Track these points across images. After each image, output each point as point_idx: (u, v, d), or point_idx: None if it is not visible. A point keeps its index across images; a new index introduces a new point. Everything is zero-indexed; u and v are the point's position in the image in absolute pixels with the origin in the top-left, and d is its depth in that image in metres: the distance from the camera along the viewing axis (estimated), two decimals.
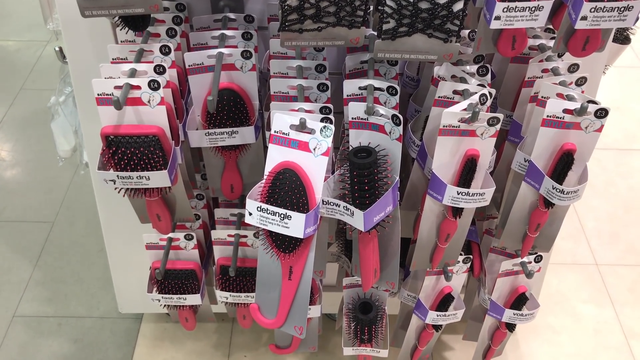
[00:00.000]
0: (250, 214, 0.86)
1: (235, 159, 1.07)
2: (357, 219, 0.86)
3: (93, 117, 1.14)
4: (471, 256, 1.12)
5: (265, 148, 1.02)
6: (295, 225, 0.83)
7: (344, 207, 0.87)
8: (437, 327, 1.22)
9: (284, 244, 0.88)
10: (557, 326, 1.71)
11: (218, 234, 1.14)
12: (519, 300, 1.16)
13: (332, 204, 0.88)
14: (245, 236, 1.14)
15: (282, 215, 0.83)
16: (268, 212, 0.84)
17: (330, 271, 1.43)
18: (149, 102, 0.88)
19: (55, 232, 1.90)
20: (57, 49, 1.25)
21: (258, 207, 0.84)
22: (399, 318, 1.32)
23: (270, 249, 0.90)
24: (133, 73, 0.90)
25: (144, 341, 1.63)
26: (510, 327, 1.23)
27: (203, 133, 0.99)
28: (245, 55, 0.94)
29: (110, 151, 0.90)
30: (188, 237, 1.15)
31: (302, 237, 0.84)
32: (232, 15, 1.02)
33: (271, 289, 0.94)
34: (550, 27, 0.99)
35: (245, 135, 1.00)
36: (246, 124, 1.00)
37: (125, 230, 1.36)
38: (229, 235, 1.13)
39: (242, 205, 1.19)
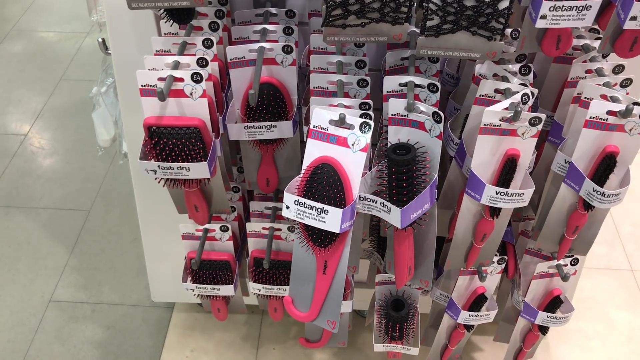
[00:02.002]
0: (287, 207, 0.87)
1: (272, 152, 1.08)
2: (393, 216, 0.86)
3: (134, 108, 1.16)
4: (506, 257, 1.11)
5: (302, 143, 1.03)
6: (332, 220, 0.84)
7: (380, 203, 0.87)
8: (468, 327, 1.21)
9: (320, 238, 0.88)
10: (589, 331, 1.69)
11: (253, 226, 1.15)
12: (554, 303, 1.15)
13: (369, 200, 0.88)
14: (280, 229, 1.15)
15: (319, 210, 0.84)
16: (305, 206, 0.85)
17: (361, 268, 1.43)
18: (191, 94, 0.90)
19: (91, 220, 1.94)
20: (100, 40, 1.27)
21: (295, 200, 0.85)
22: (430, 317, 1.32)
23: (305, 243, 0.90)
24: (176, 65, 0.91)
25: (175, 330, 1.65)
26: (543, 329, 1.22)
27: (242, 126, 1.00)
28: (286, 50, 0.95)
29: (152, 142, 0.91)
30: (223, 229, 1.16)
31: (338, 232, 0.84)
32: (273, 10, 1.03)
33: (305, 282, 0.94)
34: (595, 27, 0.97)
35: (283, 129, 1.00)
36: (284, 118, 1.00)
37: (161, 220, 1.38)
38: (264, 228, 1.15)
39: (277, 198, 1.20)
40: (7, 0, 2.96)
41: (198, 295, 1.24)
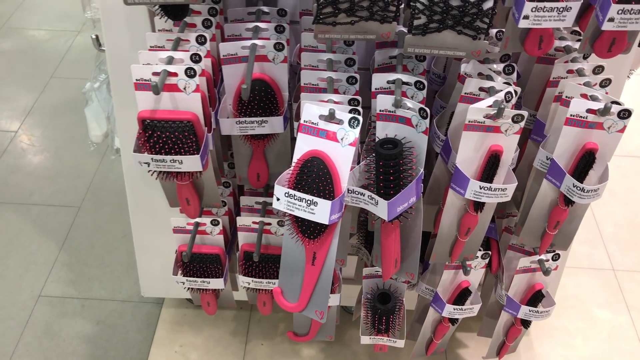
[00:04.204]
0: (277, 199, 0.89)
1: (263, 148, 1.10)
2: (381, 208, 0.89)
3: (127, 103, 1.18)
4: (490, 252, 1.14)
5: (293, 139, 1.05)
6: (321, 211, 0.86)
7: (368, 196, 0.89)
8: (453, 321, 1.24)
9: (309, 230, 0.91)
10: (572, 329, 1.72)
11: (243, 220, 1.17)
12: (535, 297, 1.18)
13: (357, 192, 0.90)
14: (269, 224, 1.17)
15: (309, 202, 0.86)
16: (295, 197, 0.87)
17: (349, 264, 1.46)
18: (184, 88, 0.92)
19: (81, 216, 1.95)
20: (93, 36, 1.29)
21: (285, 192, 0.88)
22: (416, 311, 1.35)
23: (295, 235, 0.93)
24: (170, 60, 0.93)
25: (164, 325, 1.67)
26: (525, 323, 1.25)
27: (234, 121, 1.02)
28: (278, 47, 0.97)
29: (146, 135, 0.93)
30: (214, 223, 1.18)
31: (327, 223, 0.86)
32: (265, 9, 1.06)
33: (294, 273, 0.97)
34: (577, 29, 1.01)
35: (274, 125, 1.03)
36: (275, 114, 1.03)
37: (152, 216, 1.40)
38: (254, 222, 1.17)
39: (267, 194, 1.22)
40: None
41: (188, 288, 1.26)
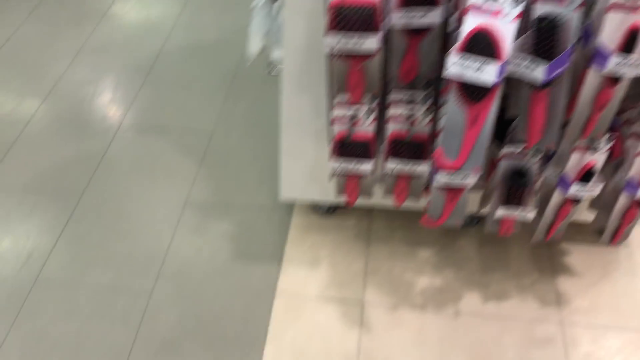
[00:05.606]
0: (449, 67, 1.08)
1: (417, 43, 1.29)
2: (538, 72, 1.06)
3: (297, 10, 1.39)
4: (615, 133, 1.30)
5: (444, 38, 1.23)
6: (489, 72, 1.05)
7: (529, 60, 1.07)
8: (575, 202, 1.40)
9: (474, 94, 1.10)
10: None
11: (392, 111, 1.37)
12: None
13: (519, 58, 1.08)
14: (414, 114, 1.36)
15: (479, 63, 1.05)
16: (467, 62, 1.06)
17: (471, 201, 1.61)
18: None
19: (215, 139, 2.20)
20: None
21: (460, 56, 1.06)
22: (537, 202, 1.51)
23: (460, 100, 1.12)
24: None
25: (295, 228, 1.89)
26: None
27: (400, 12, 1.21)
28: None
29: (337, 19, 1.14)
30: (368, 112, 1.38)
31: (494, 81, 1.05)
32: None
33: (455, 135, 1.16)
34: None
35: (433, 16, 1.22)
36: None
37: (301, 123, 1.60)
38: (402, 112, 1.36)
39: (413, 88, 1.41)
40: None
41: (338, 174, 1.46)
